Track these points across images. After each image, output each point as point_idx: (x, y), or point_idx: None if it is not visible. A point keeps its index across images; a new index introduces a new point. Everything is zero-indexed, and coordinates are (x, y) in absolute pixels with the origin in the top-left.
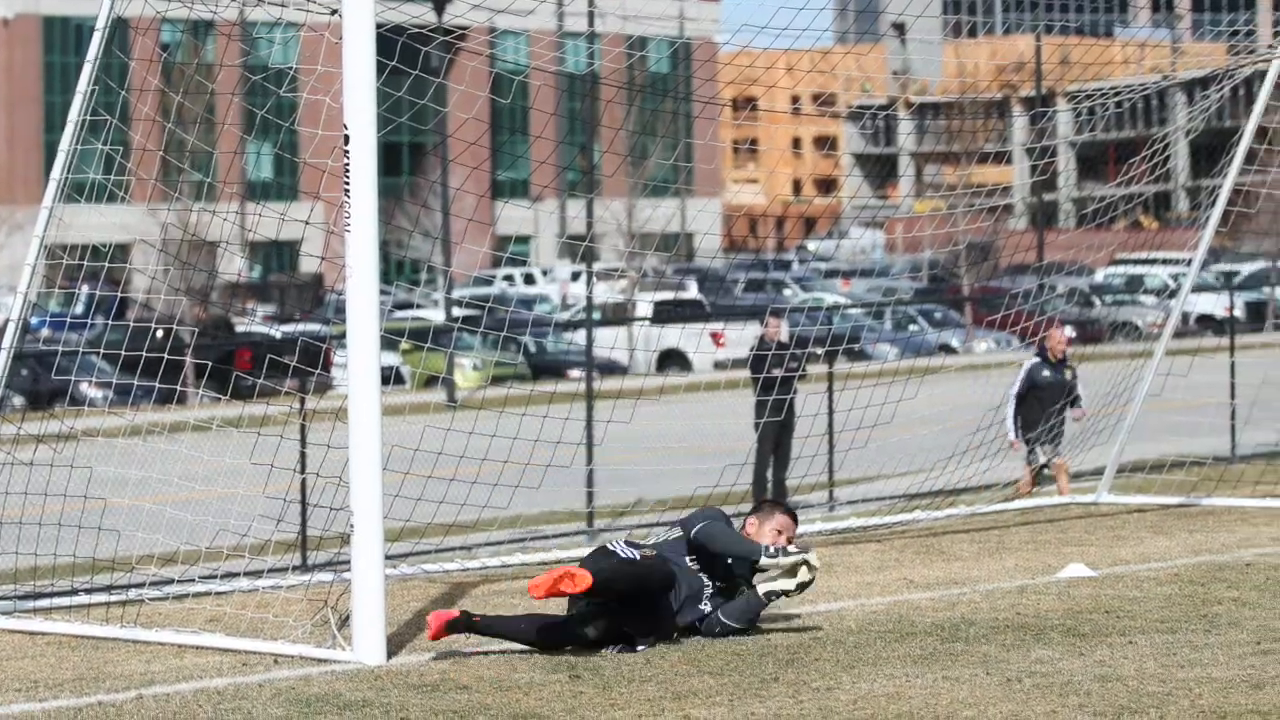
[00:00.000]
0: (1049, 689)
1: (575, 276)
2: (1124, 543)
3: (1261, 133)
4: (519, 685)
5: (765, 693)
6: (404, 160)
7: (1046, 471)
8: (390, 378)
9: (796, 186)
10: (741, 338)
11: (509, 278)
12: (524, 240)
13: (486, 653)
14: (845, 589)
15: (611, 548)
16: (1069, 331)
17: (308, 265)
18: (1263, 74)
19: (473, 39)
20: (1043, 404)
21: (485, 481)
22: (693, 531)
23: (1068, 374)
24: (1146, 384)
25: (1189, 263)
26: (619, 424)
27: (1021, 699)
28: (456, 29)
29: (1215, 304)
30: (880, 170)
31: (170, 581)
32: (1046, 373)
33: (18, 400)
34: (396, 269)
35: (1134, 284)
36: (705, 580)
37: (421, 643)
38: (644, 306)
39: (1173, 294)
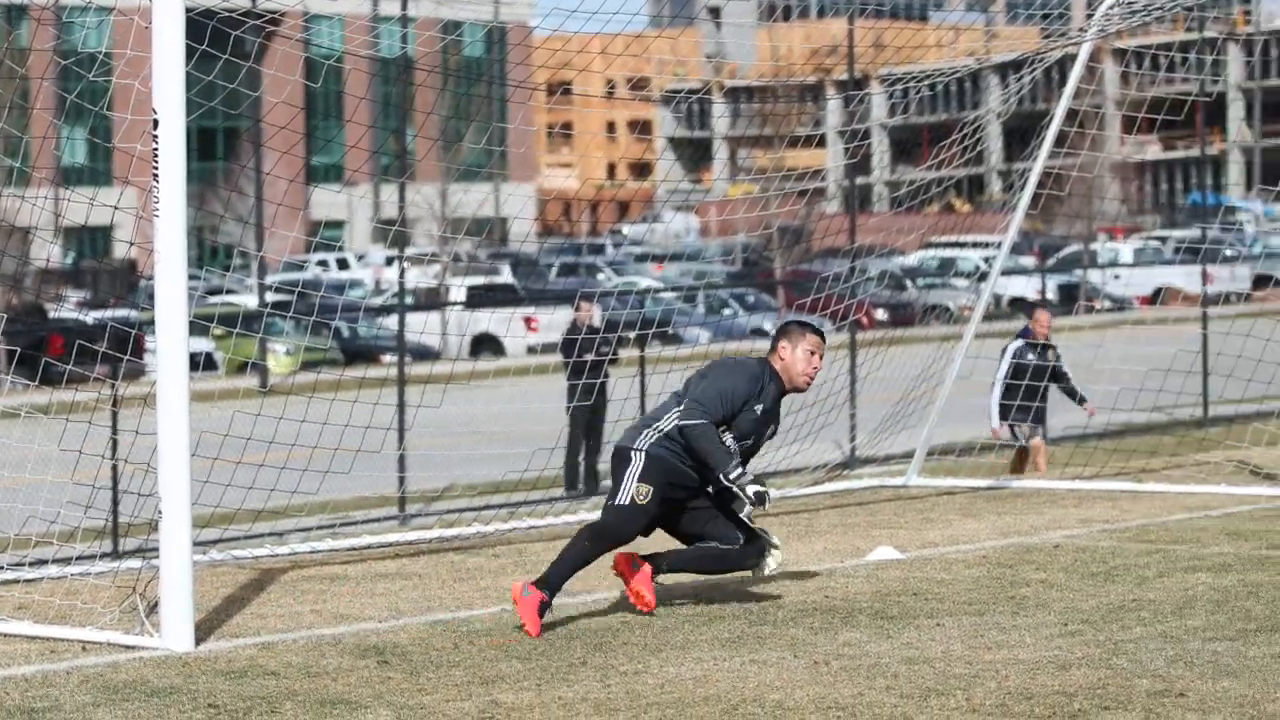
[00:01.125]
0: (856, 671)
1: (389, 261)
2: (933, 525)
3: (1072, 115)
4: (327, 671)
5: (573, 677)
6: (218, 145)
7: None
8: (202, 363)
9: (610, 170)
10: (554, 322)
11: (322, 263)
12: (337, 225)
13: (295, 639)
14: None
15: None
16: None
17: (120, 251)
18: (1074, 57)
19: (286, 23)
20: (1029, 386)
21: (295, 467)
22: (683, 424)
23: (1050, 355)
24: (956, 366)
25: (1000, 245)
26: (430, 409)
27: (829, 681)
28: (269, 13)
29: (1027, 287)
30: (694, 154)
31: None
32: (1031, 356)
33: None
34: (210, 254)
35: (946, 267)
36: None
37: (229, 629)
38: (457, 291)
39: (984, 277)
